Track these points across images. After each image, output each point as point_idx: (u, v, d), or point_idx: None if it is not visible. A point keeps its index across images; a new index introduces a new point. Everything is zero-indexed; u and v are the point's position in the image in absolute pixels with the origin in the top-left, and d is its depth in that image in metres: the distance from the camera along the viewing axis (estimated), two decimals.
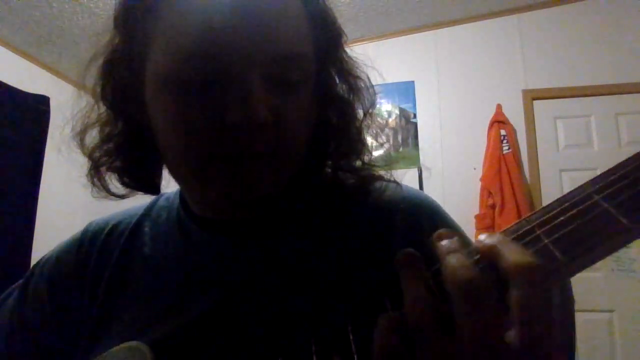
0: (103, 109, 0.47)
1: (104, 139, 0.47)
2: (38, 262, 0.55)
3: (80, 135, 0.48)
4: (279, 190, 0.43)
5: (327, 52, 0.45)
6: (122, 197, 0.50)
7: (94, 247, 0.52)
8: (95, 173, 0.48)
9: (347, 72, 0.47)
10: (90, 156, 0.48)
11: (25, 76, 2.55)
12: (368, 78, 0.49)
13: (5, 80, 2.39)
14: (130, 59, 0.43)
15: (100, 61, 0.45)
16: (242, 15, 0.37)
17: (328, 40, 0.45)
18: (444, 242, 0.30)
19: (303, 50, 0.40)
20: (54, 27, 2.44)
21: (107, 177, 0.49)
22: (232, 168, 0.39)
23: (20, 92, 2.41)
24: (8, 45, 2.56)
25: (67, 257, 0.52)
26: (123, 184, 0.49)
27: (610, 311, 2.29)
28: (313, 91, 0.43)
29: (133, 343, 0.41)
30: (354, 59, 0.48)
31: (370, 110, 0.49)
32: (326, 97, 0.45)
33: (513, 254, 0.26)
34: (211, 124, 0.38)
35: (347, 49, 0.48)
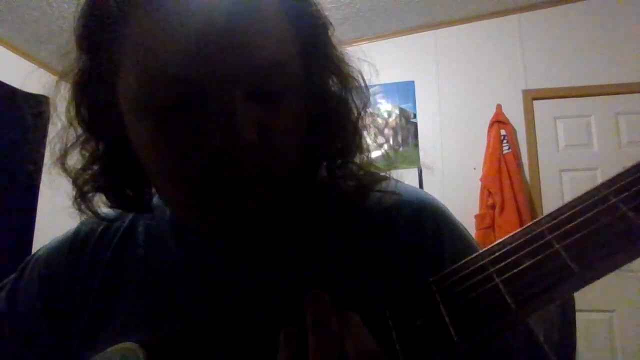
0: (80, 130, 0.44)
1: (87, 163, 0.45)
2: (28, 260, 0.53)
3: (61, 160, 0.45)
4: (275, 210, 0.41)
5: (312, 50, 0.42)
6: (112, 220, 0.49)
7: (86, 246, 0.50)
8: (82, 200, 0.45)
9: (337, 69, 0.44)
10: (74, 182, 0.45)
11: (25, 76, 2.54)
12: (361, 74, 0.46)
13: (5, 80, 2.39)
14: (99, 80, 0.40)
15: (70, 81, 0.42)
16: (215, 31, 0.34)
17: (313, 37, 0.42)
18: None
19: (284, 57, 0.37)
20: (54, 27, 2.44)
21: (94, 202, 0.46)
22: (221, 196, 0.37)
23: (20, 92, 2.41)
24: (8, 45, 2.56)
25: (59, 257, 0.51)
26: (113, 205, 0.46)
27: (610, 311, 2.30)
28: (301, 96, 0.40)
29: (126, 344, 0.41)
30: (344, 54, 0.45)
31: (364, 107, 0.46)
32: (316, 98, 0.43)
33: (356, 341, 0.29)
34: (193, 151, 0.35)
35: (335, 43, 0.45)
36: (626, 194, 0.25)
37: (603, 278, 0.25)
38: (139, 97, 0.36)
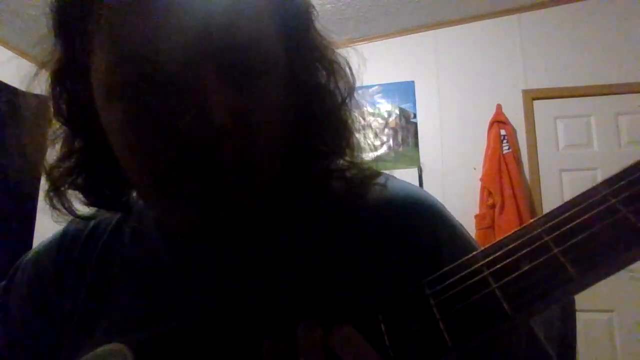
0: (57, 124, 0.43)
1: (63, 156, 0.43)
2: (18, 264, 0.53)
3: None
4: (258, 202, 0.38)
5: (293, 34, 0.39)
6: (89, 218, 0.47)
7: (74, 247, 0.50)
8: (55, 194, 0.43)
9: (320, 55, 0.42)
10: (49, 175, 0.43)
11: (25, 76, 2.54)
12: (346, 61, 0.43)
13: (5, 80, 2.39)
14: (75, 69, 0.38)
15: (47, 73, 0.41)
16: (184, 6, 0.32)
17: (294, 20, 0.39)
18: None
19: (259, 35, 0.35)
20: None
21: (70, 198, 0.44)
22: (195, 186, 0.33)
23: (20, 92, 2.41)
24: (8, 45, 2.56)
25: (47, 259, 0.50)
26: (89, 203, 0.44)
27: (610, 311, 2.30)
28: (280, 81, 0.37)
29: (114, 345, 0.40)
30: (328, 41, 0.43)
31: (349, 96, 0.43)
32: (298, 85, 0.40)
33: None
34: (163, 133, 0.32)
35: (319, 29, 0.42)
36: (626, 194, 0.24)
37: None
38: (108, 79, 0.34)
